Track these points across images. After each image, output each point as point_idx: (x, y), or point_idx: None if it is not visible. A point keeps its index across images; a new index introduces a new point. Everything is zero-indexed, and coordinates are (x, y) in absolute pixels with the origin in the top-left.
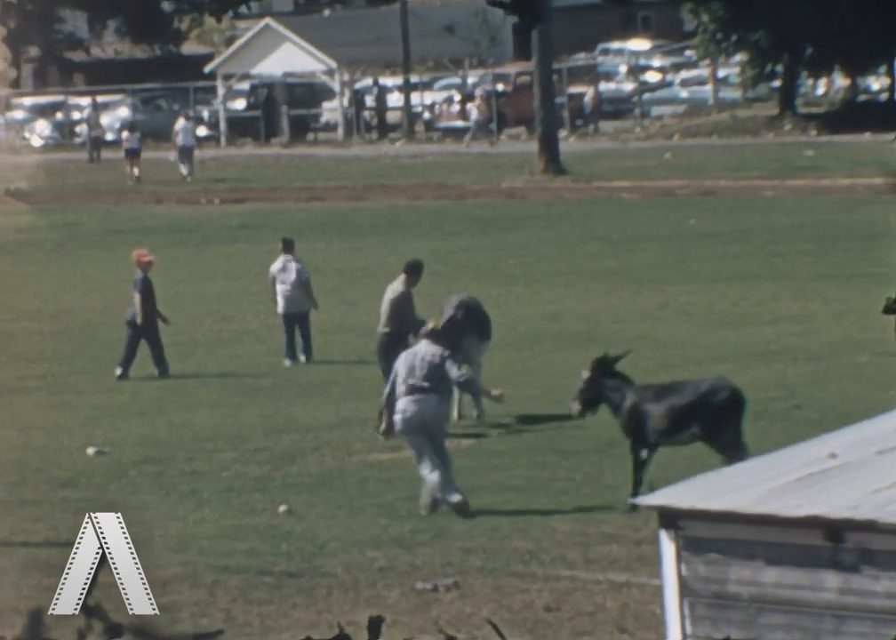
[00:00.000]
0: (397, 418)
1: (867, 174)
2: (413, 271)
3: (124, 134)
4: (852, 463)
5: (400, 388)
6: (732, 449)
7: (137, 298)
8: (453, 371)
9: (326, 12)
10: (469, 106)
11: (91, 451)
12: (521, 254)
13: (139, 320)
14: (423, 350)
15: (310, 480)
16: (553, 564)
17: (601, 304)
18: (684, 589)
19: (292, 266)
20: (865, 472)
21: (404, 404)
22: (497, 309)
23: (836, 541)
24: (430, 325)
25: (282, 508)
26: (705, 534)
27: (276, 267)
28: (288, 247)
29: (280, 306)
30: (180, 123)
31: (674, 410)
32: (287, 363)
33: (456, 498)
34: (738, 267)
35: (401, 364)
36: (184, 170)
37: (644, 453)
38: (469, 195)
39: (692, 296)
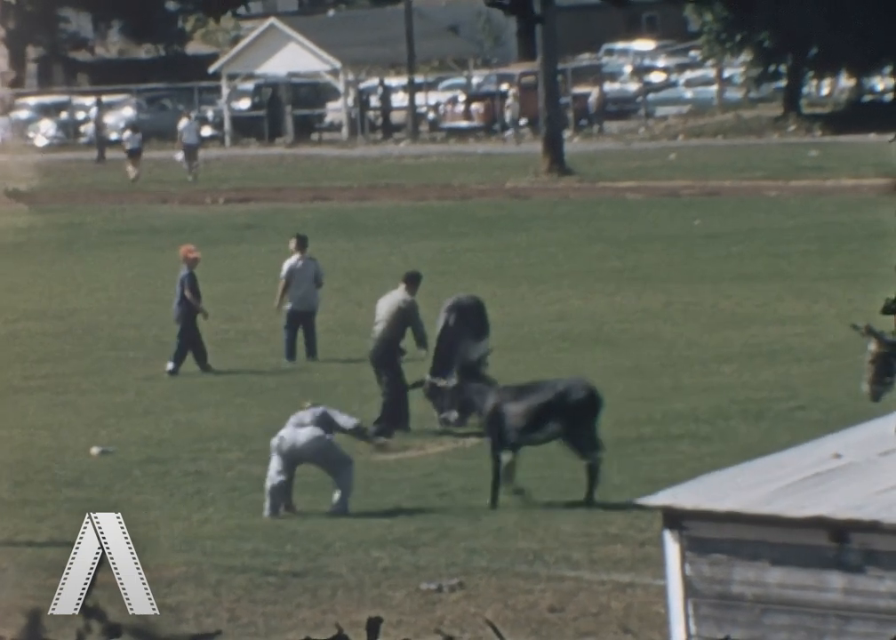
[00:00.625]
0: (274, 441)
1: (871, 175)
2: (414, 281)
3: (125, 134)
4: (857, 464)
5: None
6: (589, 447)
7: (189, 294)
8: (341, 419)
9: (331, 12)
10: (475, 105)
11: (95, 451)
12: (526, 254)
13: (204, 316)
14: (310, 411)
15: (315, 480)
16: (557, 564)
17: (606, 304)
18: (689, 590)
19: (311, 264)
20: (869, 473)
21: (283, 432)
22: (502, 309)
23: (840, 542)
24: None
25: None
26: (709, 535)
27: (294, 264)
28: (303, 244)
29: (291, 302)
30: (184, 122)
31: (532, 409)
32: (287, 363)
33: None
34: (742, 267)
35: (288, 427)
36: (189, 173)
37: (505, 456)
38: (474, 195)
39: (696, 296)
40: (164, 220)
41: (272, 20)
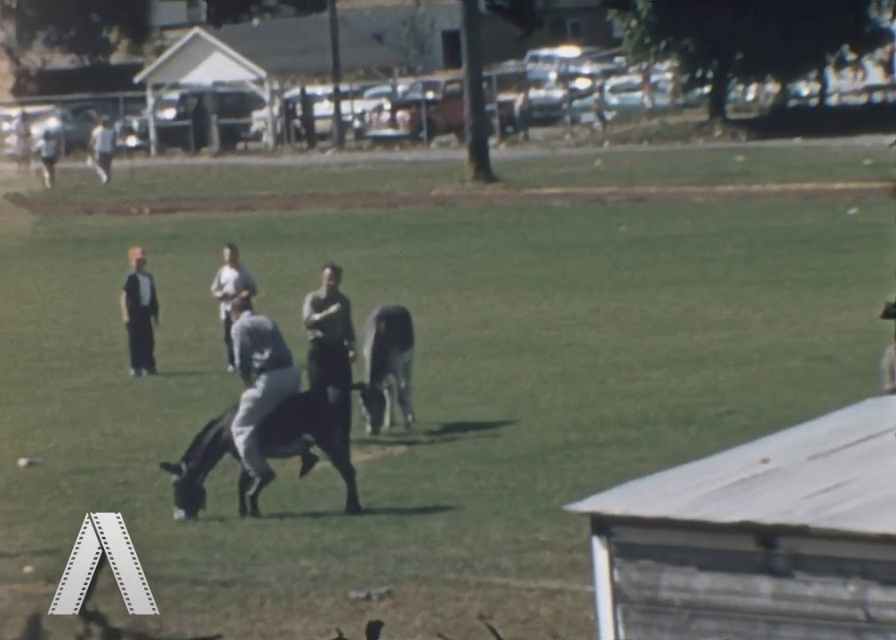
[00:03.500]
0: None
1: (797, 180)
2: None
3: (40, 143)
4: (784, 468)
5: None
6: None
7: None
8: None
9: (255, 22)
10: (401, 113)
11: (22, 462)
12: (452, 262)
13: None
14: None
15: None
16: (486, 571)
17: (532, 311)
18: (617, 596)
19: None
20: (797, 477)
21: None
22: (428, 317)
23: (768, 547)
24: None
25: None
26: (637, 541)
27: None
28: (238, 254)
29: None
30: (98, 130)
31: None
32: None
33: None
34: (668, 273)
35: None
36: (102, 176)
37: None
38: (400, 203)
39: (622, 302)
40: (89, 231)
41: (196, 29)
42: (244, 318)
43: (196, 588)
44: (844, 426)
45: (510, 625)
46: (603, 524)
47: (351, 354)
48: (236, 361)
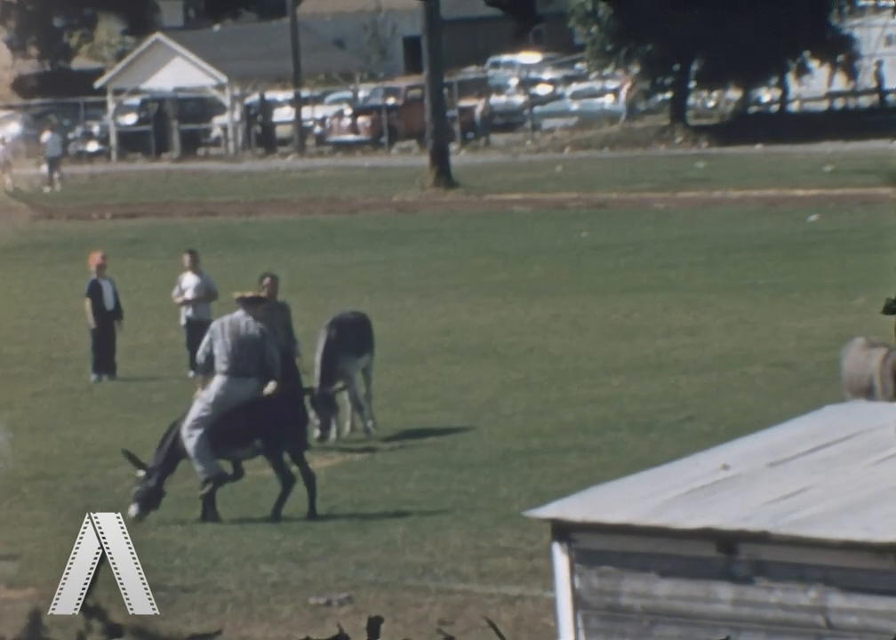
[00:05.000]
0: None
1: (758, 186)
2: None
3: None
4: (745, 475)
5: None
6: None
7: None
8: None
9: (216, 27)
10: (362, 118)
11: None
12: (413, 268)
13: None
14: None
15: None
16: (446, 577)
17: (493, 317)
18: (578, 602)
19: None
20: (757, 484)
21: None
22: (389, 323)
23: (729, 553)
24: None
25: None
26: (598, 547)
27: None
28: (198, 259)
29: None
30: (47, 135)
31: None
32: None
33: None
34: (630, 279)
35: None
36: (56, 184)
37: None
38: (361, 209)
39: (584, 308)
40: (50, 236)
41: (157, 35)
42: (227, 316)
43: (156, 594)
44: (804, 432)
45: (471, 631)
46: (563, 530)
47: (297, 360)
48: (199, 356)
